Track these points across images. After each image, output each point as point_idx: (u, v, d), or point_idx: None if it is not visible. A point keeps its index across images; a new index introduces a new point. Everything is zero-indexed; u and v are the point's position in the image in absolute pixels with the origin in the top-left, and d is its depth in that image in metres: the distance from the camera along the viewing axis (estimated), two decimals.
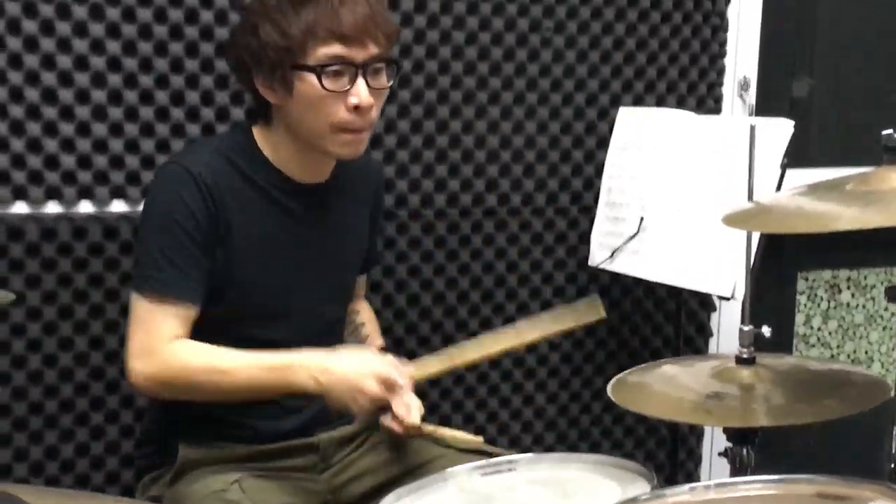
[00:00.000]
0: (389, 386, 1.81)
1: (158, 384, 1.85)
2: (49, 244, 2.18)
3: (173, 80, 2.22)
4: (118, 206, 2.23)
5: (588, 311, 2.04)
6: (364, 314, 2.23)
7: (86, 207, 2.21)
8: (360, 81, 1.83)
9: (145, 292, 1.85)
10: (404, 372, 1.85)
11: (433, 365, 2.00)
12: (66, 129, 2.16)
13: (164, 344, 1.82)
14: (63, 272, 2.19)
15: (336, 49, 1.81)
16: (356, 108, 1.83)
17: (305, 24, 1.80)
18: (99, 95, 2.17)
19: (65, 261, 2.19)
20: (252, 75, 1.88)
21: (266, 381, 1.83)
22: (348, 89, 1.83)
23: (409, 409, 1.83)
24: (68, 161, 2.17)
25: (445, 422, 2.51)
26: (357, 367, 1.81)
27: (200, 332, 1.86)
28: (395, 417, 1.83)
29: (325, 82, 1.81)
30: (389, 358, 1.86)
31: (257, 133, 1.95)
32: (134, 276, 1.91)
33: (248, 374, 1.83)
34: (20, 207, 2.17)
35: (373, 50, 1.84)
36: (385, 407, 1.83)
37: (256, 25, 1.84)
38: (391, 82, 1.92)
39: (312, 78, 1.82)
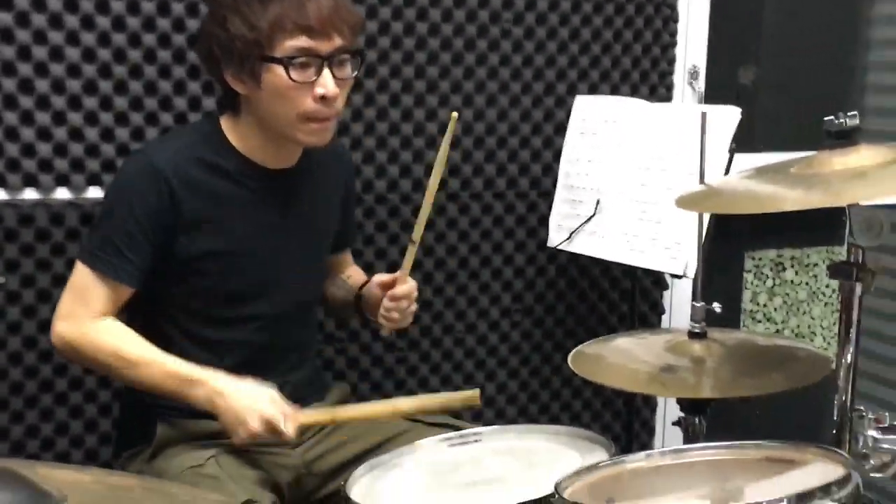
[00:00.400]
0: (271, 429, 1.83)
1: (72, 350, 1.89)
2: (27, 230, 2.18)
3: (146, 70, 2.22)
4: (94, 193, 2.22)
5: (465, 400, 2.05)
6: (354, 277, 2.24)
7: (62, 194, 2.21)
8: (326, 72, 1.85)
9: (87, 264, 1.88)
10: (292, 418, 1.85)
11: (319, 415, 1.99)
12: (43, 118, 2.16)
13: (88, 316, 1.87)
14: (41, 257, 2.20)
15: (302, 41, 1.82)
16: (322, 98, 1.85)
17: (273, 17, 1.81)
18: (74, 85, 2.17)
19: (43, 246, 2.20)
20: (221, 67, 1.89)
21: (165, 385, 1.86)
22: (314, 80, 1.84)
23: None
24: (45, 149, 2.17)
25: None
26: (248, 402, 1.82)
27: (184, 312, 1.88)
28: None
29: (293, 73, 1.83)
30: (281, 404, 1.85)
31: (225, 123, 1.96)
32: (82, 245, 1.96)
33: (150, 373, 1.86)
34: None
35: (338, 42, 1.85)
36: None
37: (225, 18, 1.84)
38: (356, 72, 1.93)
39: (280, 69, 1.83)
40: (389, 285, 2.08)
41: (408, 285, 2.07)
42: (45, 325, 2.19)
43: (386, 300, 2.06)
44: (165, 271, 1.90)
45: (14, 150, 2.15)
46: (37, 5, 2.12)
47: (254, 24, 1.81)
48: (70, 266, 2.18)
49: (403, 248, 2.48)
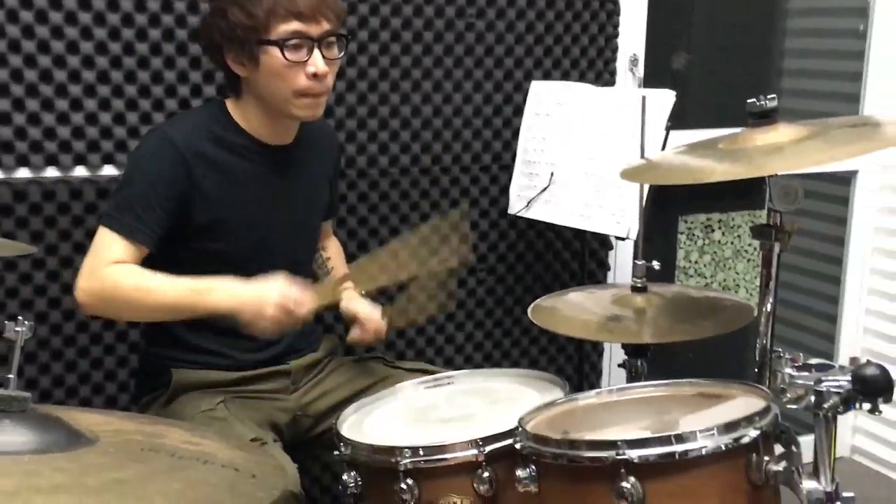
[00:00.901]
0: (287, 312, 1.81)
1: (96, 299, 1.82)
2: (49, 204, 2.17)
3: (153, 61, 2.21)
4: (109, 171, 2.21)
5: (452, 223, 2.06)
6: (331, 250, 2.25)
7: (80, 172, 2.20)
8: (317, 52, 1.85)
9: (106, 227, 1.85)
10: (302, 299, 1.84)
11: (326, 292, 1.97)
12: (61, 104, 2.14)
13: (105, 266, 1.82)
14: (63, 228, 2.19)
15: (295, 25, 1.83)
16: (314, 76, 1.85)
17: (268, 5, 1.81)
18: (88, 76, 2.15)
19: (63, 218, 2.18)
20: (223, 53, 1.89)
21: (185, 302, 1.82)
22: (307, 60, 1.84)
23: (377, 330, 2.00)
24: (64, 132, 2.16)
25: (390, 347, 2.56)
26: (262, 296, 1.81)
27: (192, 274, 1.88)
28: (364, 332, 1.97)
29: (287, 54, 1.83)
30: (292, 291, 1.82)
31: (230, 105, 1.96)
32: (102, 212, 1.90)
33: (169, 294, 1.82)
34: (23, 173, 2.15)
35: (326, 26, 1.86)
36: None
37: (225, 9, 1.84)
38: (342, 53, 1.94)
39: (276, 51, 1.83)
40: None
41: (375, 325, 2.08)
42: (68, 288, 2.19)
43: (355, 330, 2.08)
44: (178, 236, 1.89)
45: (37, 133, 2.14)
46: (54, 4, 2.10)
47: (251, 12, 1.82)
48: (88, 235, 2.19)
49: (381, 218, 2.51)
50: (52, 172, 2.18)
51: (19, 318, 1.28)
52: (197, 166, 1.88)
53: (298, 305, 1.82)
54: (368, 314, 2.07)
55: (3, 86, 2.10)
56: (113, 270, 1.82)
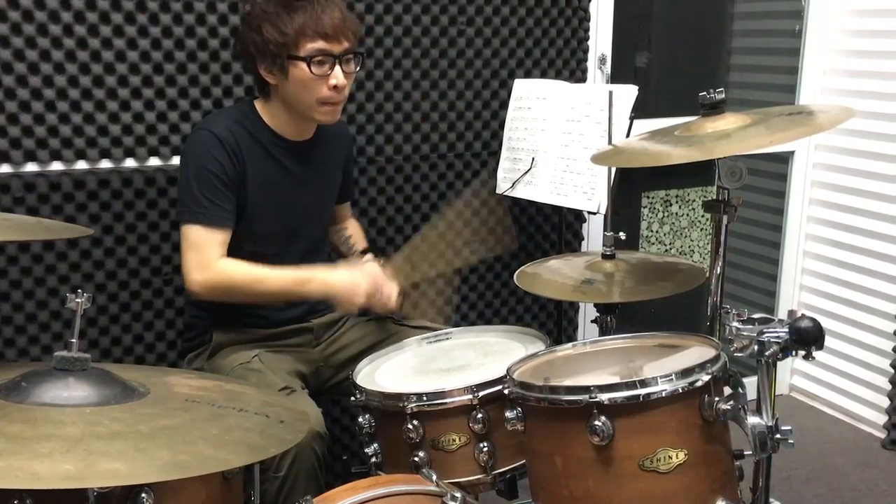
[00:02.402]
0: (374, 293, 1.85)
1: (211, 290, 1.83)
2: (104, 191, 2.15)
3: (189, 67, 2.18)
4: (154, 162, 2.20)
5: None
6: (351, 229, 2.23)
7: (130, 163, 2.18)
8: (338, 68, 1.84)
9: (195, 223, 1.83)
10: (385, 280, 1.88)
11: (399, 265, 2.01)
12: (112, 105, 2.12)
13: (215, 261, 1.82)
14: (116, 211, 2.17)
15: (320, 44, 1.81)
16: (335, 88, 1.84)
17: (298, 26, 1.79)
18: (135, 80, 2.13)
19: (116, 203, 2.17)
20: (255, 63, 1.87)
21: (287, 290, 1.85)
22: (329, 74, 1.83)
23: (390, 299, 1.90)
24: (115, 129, 2.14)
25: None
26: (353, 282, 1.84)
27: (234, 252, 1.87)
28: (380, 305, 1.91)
29: (313, 69, 1.81)
30: (376, 279, 1.86)
31: (258, 105, 1.94)
32: (182, 213, 1.86)
33: (275, 283, 1.84)
34: (81, 165, 2.13)
35: (346, 44, 1.84)
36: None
37: (260, 26, 1.82)
38: (358, 68, 1.92)
39: (303, 65, 1.81)
40: None
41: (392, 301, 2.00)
42: (122, 262, 2.20)
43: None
44: None
45: (92, 131, 2.12)
46: (104, 19, 2.08)
47: (283, 31, 1.80)
48: (139, 217, 2.19)
49: (388, 198, 2.50)
50: (105, 164, 2.16)
51: (79, 290, 1.28)
52: (237, 157, 1.86)
53: (384, 290, 1.86)
54: (385, 299, 1.99)
55: (62, 90, 2.08)
56: (224, 265, 1.83)
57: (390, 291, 1.88)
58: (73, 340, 1.19)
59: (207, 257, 1.82)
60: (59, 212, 2.12)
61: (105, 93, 2.11)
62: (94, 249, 2.17)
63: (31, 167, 2.10)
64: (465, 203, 2.07)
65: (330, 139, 2.05)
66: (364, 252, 2.07)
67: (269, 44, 1.81)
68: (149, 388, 1.21)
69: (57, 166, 2.12)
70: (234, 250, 1.86)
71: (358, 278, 1.85)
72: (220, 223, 1.84)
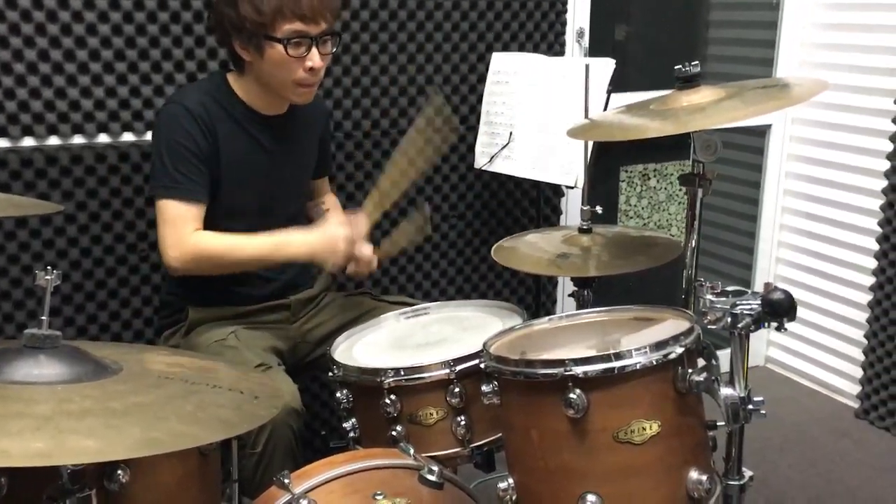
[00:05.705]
0: (351, 241, 1.87)
1: (190, 263, 1.81)
2: (77, 167, 2.13)
3: (162, 41, 2.15)
4: (128, 137, 2.17)
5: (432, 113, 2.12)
6: (329, 202, 2.20)
7: (103, 139, 2.15)
8: (314, 50, 1.81)
9: (169, 198, 1.80)
10: (358, 229, 1.92)
11: (370, 208, 2.03)
12: (84, 80, 2.09)
13: (190, 235, 1.80)
14: (90, 187, 2.15)
15: (297, 25, 1.78)
16: (311, 69, 1.82)
17: (275, 5, 1.76)
18: (107, 54, 2.10)
19: (90, 179, 2.14)
20: (231, 38, 1.83)
21: (269, 254, 1.85)
22: (306, 55, 1.80)
23: (370, 263, 1.95)
24: (87, 104, 2.11)
25: (376, 283, 2.55)
26: (329, 236, 1.86)
27: (208, 224, 1.85)
28: (359, 265, 1.95)
29: (290, 50, 1.78)
30: (351, 238, 1.88)
31: (231, 78, 1.91)
32: (156, 188, 1.83)
33: (257, 250, 1.83)
34: (53, 140, 2.10)
35: (323, 26, 1.81)
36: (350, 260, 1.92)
37: (236, 2, 1.78)
38: (335, 49, 1.90)
39: (280, 47, 1.78)
40: None
41: (368, 256, 2.00)
42: (97, 239, 2.18)
43: (351, 265, 1.98)
44: None
45: (63, 106, 2.09)
46: (87, 4, 2.05)
47: (260, 10, 1.76)
48: (112, 194, 2.17)
49: (366, 173, 2.49)
50: (78, 139, 2.13)
51: (48, 267, 1.26)
52: (209, 130, 1.84)
53: (358, 232, 1.89)
54: (363, 251, 2.02)
55: (32, 64, 2.04)
56: (200, 237, 1.81)
57: (363, 230, 1.91)
58: (43, 318, 1.17)
59: (184, 231, 1.80)
60: (32, 188, 2.09)
61: (77, 67, 2.08)
62: (69, 226, 2.15)
63: (2, 143, 2.06)
64: (419, 131, 2.06)
65: (305, 113, 2.03)
66: (379, 197, 2.07)
67: (244, 21, 1.77)
68: (121, 366, 1.20)
69: (28, 142, 2.09)
70: (209, 227, 1.84)
71: (334, 230, 1.87)
72: (194, 197, 1.82)
